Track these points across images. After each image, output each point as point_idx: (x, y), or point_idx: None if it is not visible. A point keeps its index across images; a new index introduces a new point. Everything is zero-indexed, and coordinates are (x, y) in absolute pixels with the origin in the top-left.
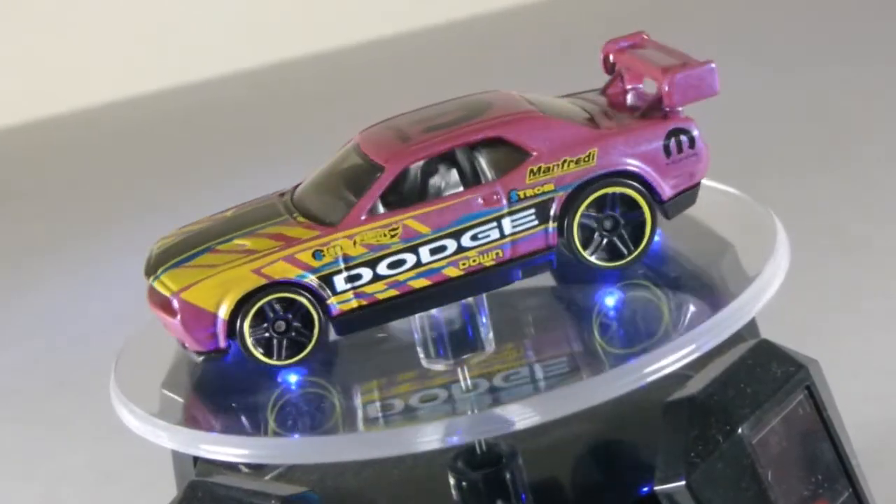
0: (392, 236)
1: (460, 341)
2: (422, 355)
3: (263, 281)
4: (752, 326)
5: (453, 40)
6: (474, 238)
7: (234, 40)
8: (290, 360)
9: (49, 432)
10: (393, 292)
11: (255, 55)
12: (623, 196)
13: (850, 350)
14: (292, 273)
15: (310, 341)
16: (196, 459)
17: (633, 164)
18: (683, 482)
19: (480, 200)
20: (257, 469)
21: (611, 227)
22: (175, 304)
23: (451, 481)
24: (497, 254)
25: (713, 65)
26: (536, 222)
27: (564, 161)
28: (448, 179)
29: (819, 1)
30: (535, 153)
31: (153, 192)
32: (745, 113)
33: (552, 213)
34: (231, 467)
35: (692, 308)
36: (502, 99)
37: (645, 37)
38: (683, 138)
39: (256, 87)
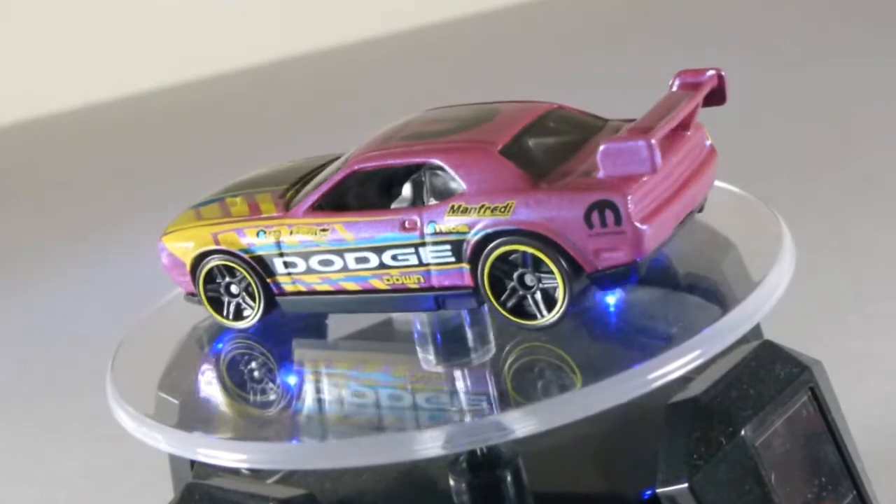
0: (321, 236)
1: (461, 342)
2: (421, 355)
3: (213, 246)
4: (755, 328)
5: (455, 38)
6: (394, 258)
7: (234, 38)
8: (234, 322)
9: (45, 434)
10: (328, 287)
11: (254, 53)
12: (535, 257)
13: (854, 351)
14: (236, 246)
15: (253, 311)
16: (193, 462)
17: (546, 227)
18: (686, 484)
19: (404, 224)
20: (256, 471)
21: (526, 285)
22: (158, 243)
23: (451, 484)
24: (419, 279)
25: (653, 141)
26: (453, 259)
27: (483, 206)
28: (398, 193)
29: (825, 1)
30: (464, 189)
31: (152, 191)
32: (749, 112)
33: (465, 255)
34: (229, 469)
35: (697, 312)
36: (510, 114)
37: (714, 75)
38: (608, 212)
39: (256, 85)
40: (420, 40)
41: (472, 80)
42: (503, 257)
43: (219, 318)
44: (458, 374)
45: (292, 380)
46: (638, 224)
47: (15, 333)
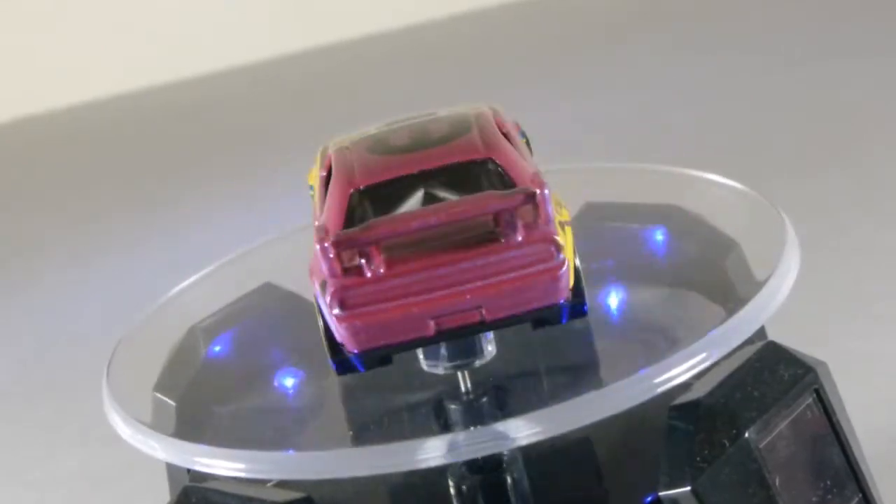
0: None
1: (462, 345)
2: (421, 357)
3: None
4: (759, 328)
5: (456, 36)
6: None
7: (233, 36)
8: None
9: (44, 435)
10: None
11: (254, 50)
12: None
13: (859, 353)
14: (310, 185)
15: None
16: None
17: (315, 288)
18: (689, 488)
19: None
20: None
21: None
22: None
23: (451, 485)
24: None
25: (327, 245)
26: None
27: (315, 238)
28: None
29: (825, 1)
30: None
31: (152, 190)
32: (749, 111)
33: None
34: None
35: (702, 314)
36: (443, 150)
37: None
38: (326, 294)
39: (256, 82)
40: (420, 38)
41: (472, 79)
42: None
43: None
44: (459, 377)
45: (289, 382)
46: (340, 317)
47: (15, 333)
